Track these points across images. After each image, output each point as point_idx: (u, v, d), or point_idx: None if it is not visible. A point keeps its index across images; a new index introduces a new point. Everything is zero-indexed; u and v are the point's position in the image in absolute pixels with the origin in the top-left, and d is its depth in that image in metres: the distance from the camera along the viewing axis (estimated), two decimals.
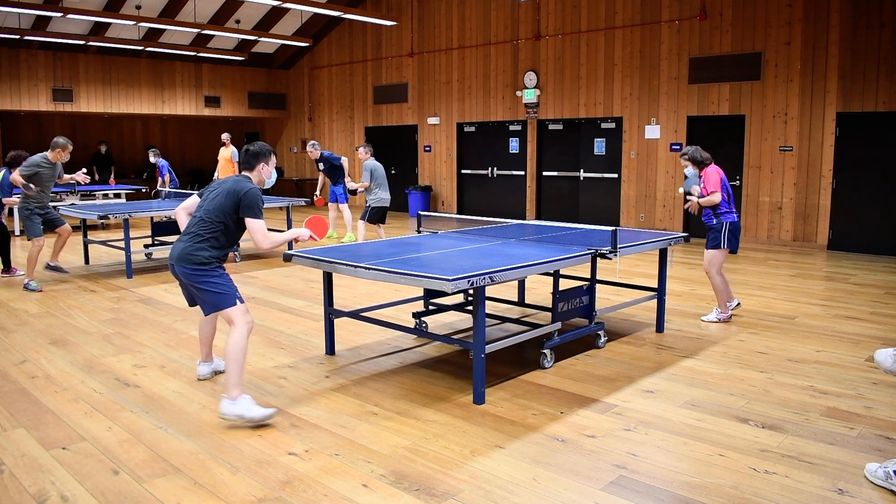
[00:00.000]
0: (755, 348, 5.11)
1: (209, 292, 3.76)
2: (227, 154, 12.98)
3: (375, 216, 9.32)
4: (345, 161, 10.75)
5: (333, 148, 17.49)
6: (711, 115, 10.94)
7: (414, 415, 3.84)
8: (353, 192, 10.14)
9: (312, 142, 10.80)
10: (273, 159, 4.05)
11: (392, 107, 16.03)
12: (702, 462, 3.25)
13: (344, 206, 10.74)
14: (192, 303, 4.10)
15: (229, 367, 3.71)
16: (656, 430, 3.63)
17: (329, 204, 11.08)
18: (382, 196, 9.27)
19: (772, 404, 3.98)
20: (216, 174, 13.26)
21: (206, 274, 3.75)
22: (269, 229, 3.84)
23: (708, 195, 5.71)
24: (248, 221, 3.78)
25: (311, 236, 4.04)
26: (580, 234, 5.69)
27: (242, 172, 3.99)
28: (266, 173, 4.02)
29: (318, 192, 11.01)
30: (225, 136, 13.13)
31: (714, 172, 5.73)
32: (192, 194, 4.15)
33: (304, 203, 10.38)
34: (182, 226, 4.02)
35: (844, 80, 9.61)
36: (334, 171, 10.66)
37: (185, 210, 4.12)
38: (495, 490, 2.99)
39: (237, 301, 3.78)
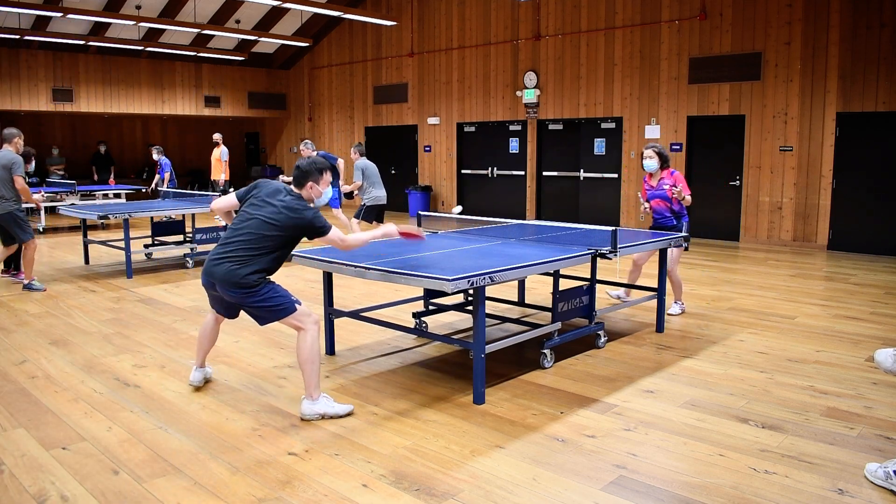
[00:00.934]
0: (755, 348, 5.11)
1: (268, 308, 3.66)
2: (218, 154, 13.00)
3: (370, 214, 9.28)
4: (341, 163, 10.65)
5: (334, 148, 17.49)
6: (711, 115, 10.95)
7: (414, 415, 3.84)
8: (350, 196, 10.03)
9: (305, 140, 10.62)
10: (326, 176, 3.82)
11: (392, 107, 16.03)
12: (702, 462, 3.25)
13: (338, 212, 10.55)
14: (230, 314, 4.00)
15: (307, 370, 3.69)
16: (656, 430, 3.63)
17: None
18: (377, 194, 9.23)
19: (772, 404, 3.98)
20: (211, 175, 13.30)
21: (258, 293, 3.63)
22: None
23: (685, 196, 5.90)
24: (324, 239, 3.72)
25: (403, 234, 4.00)
26: (580, 234, 5.69)
27: (294, 189, 3.81)
28: (316, 193, 3.80)
29: None
30: (217, 137, 13.15)
31: (681, 175, 6.00)
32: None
33: None
34: (223, 220, 3.87)
35: (844, 80, 9.61)
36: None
37: (224, 211, 4.00)
38: (495, 490, 2.99)
39: (297, 305, 3.71)
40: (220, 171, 12.97)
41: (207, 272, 3.72)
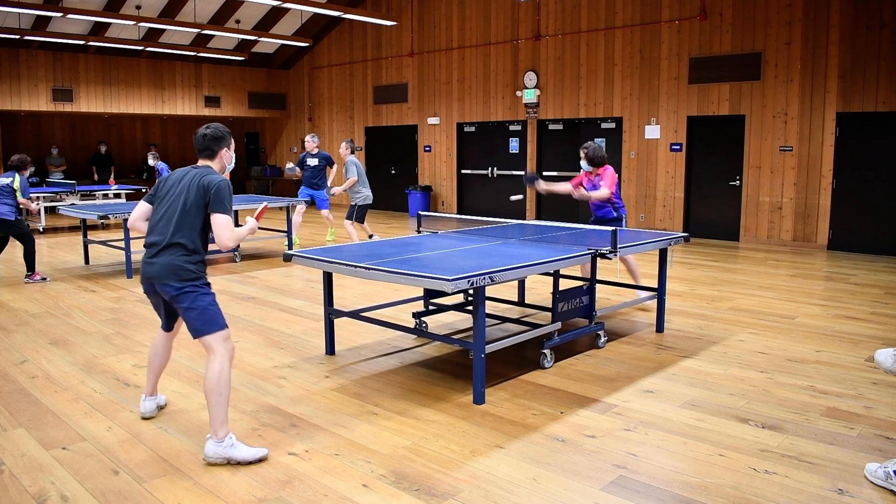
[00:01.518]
0: (755, 348, 5.11)
1: (197, 316, 3.29)
2: None
3: (363, 214, 9.26)
4: (335, 168, 10.65)
5: (333, 148, 17.49)
6: (711, 115, 10.94)
7: (414, 415, 3.84)
8: (331, 194, 9.88)
9: (313, 134, 10.60)
10: (232, 140, 3.57)
11: (392, 107, 16.04)
12: (702, 462, 3.25)
13: (327, 213, 10.51)
14: (169, 326, 3.69)
15: (214, 402, 3.22)
16: (656, 430, 3.63)
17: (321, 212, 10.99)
18: (367, 193, 9.20)
19: (772, 404, 3.98)
20: None
21: (195, 291, 3.31)
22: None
23: (599, 191, 6.14)
24: (215, 217, 3.31)
25: (257, 218, 3.59)
26: (580, 234, 5.69)
27: (201, 161, 3.50)
28: (228, 159, 3.55)
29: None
30: None
31: (612, 171, 6.21)
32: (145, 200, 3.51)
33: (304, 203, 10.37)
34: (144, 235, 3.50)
35: (844, 80, 9.61)
36: (321, 173, 10.48)
37: (142, 220, 3.58)
38: (495, 490, 2.99)
39: (223, 327, 3.33)
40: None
41: (144, 274, 3.40)
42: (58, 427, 3.67)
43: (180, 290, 3.30)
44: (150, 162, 12.92)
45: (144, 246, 3.45)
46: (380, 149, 16.41)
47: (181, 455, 3.32)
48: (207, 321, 3.30)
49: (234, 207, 9.24)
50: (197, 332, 3.31)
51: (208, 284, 3.41)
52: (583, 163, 6.33)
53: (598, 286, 5.25)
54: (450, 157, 14.98)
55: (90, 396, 4.13)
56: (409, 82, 15.54)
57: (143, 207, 3.58)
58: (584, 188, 6.35)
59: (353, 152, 9.30)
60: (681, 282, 7.62)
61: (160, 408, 3.92)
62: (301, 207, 10.33)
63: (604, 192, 6.09)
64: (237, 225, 8.90)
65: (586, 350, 5.03)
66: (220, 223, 3.31)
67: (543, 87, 13.06)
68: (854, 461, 3.24)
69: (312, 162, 10.34)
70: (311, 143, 10.37)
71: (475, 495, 2.95)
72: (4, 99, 14.35)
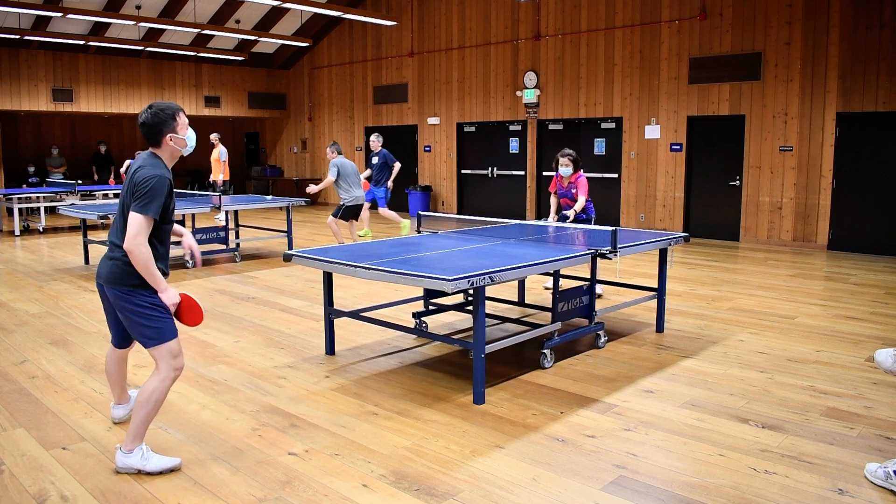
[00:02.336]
0: (755, 348, 5.11)
1: (141, 325, 3.09)
2: (216, 154, 12.98)
3: (348, 214, 9.27)
4: (397, 166, 10.86)
5: None
6: (711, 115, 10.95)
7: (414, 415, 3.84)
8: (315, 199, 10.00)
9: (377, 134, 10.87)
10: (181, 118, 3.17)
11: (392, 107, 16.04)
12: (702, 462, 3.25)
13: (384, 210, 10.83)
14: (119, 342, 3.45)
15: (140, 415, 3.08)
16: (656, 430, 3.63)
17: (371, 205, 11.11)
18: (356, 194, 9.23)
19: (772, 404, 3.98)
20: (211, 176, 13.28)
21: (135, 300, 3.07)
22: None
23: (578, 201, 6.57)
24: (130, 214, 2.98)
25: (178, 314, 3.22)
26: (580, 234, 5.69)
27: (151, 150, 3.19)
28: (179, 143, 3.17)
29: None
30: (213, 137, 13.12)
31: (586, 179, 6.67)
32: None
33: (304, 203, 10.36)
34: None
35: (844, 80, 9.61)
36: (383, 171, 10.77)
37: None
38: (495, 490, 2.99)
39: (170, 339, 3.11)
40: (219, 171, 12.98)
41: (97, 274, 3.21)
42: (58, 427, 3.67)
43: (122, 295, 3.08)
44: None
45: None
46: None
47: (181, 455, 3.31)
48: (149, 333, 3.10)
49: (237, 207, 9.28)
50: (143, 344, 3.14)
51: (153, 297, 3.12)
52: (564, 169, 6.61)
53: (598, 286, 5.24)
54: (450, 157, 14.98)
55: (90, 396, 4.13)
56: (409, 82, 15.55)
57: None
58: (557, 193, 6.83)
59: (339, 154, 9.30)
60: (681, 282, 7.62)
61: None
62: (366, 203, 10.66)
63: (582, 201, 6.59)
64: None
65: (586, 350, 5.03)
66: (130, 221, 2.98)
67: (543, 87, 13.06)
68: (854, 461, 3.24)
69: (374, 160, 10.80)
70: (375, 142, 10.76)
71: (475, 495, 2.95)
72: (4, 99, 14.35)
